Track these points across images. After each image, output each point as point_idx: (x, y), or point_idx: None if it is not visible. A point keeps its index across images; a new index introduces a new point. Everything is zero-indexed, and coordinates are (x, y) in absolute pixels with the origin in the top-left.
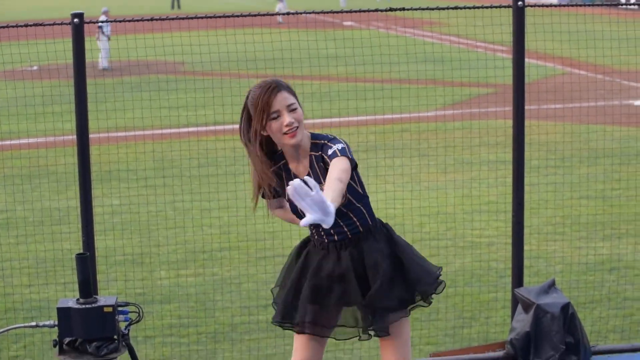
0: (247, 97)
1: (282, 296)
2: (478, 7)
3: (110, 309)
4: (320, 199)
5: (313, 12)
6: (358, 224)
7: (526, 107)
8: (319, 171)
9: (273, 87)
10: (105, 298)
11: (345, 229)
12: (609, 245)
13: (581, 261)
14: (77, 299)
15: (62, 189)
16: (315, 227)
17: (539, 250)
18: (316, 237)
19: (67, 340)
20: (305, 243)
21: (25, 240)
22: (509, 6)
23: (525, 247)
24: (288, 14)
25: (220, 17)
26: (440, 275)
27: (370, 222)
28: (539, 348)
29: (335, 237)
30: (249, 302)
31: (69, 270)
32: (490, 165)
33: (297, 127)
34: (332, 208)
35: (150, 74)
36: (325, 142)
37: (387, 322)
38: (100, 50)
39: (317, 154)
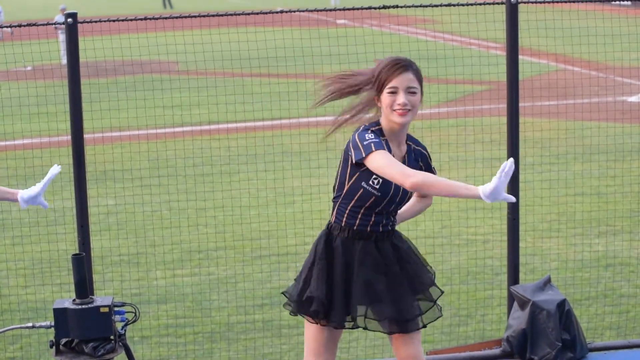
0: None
1: (322, 291)
2: (471, 4)
3: (106, 309)
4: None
5: (307, 10)
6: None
7: (520, 104)
8: (413, 162)
9: (402, 65)
10: (101, 298)
11: (392, 221)
12: (604, 241)
13: (576, 258)
14: (74, 300)
15: (58, 189)
16: (376, 213)
17: (534, 248)
18: (362, 225)
19: (63, 341)
20: (328, 235)
21: (21, 241)
22: (502, 3)
23: (521, 245)
24: (282, 11)
25: (213, 15)
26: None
27: None
28: (535, 345)
29: (381, 228)
30: (245, 302)
31: (65, 270)
32: (484, 162)
33: (410, 110)
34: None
35: (144, 73)
36: (425, 150)
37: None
38: (61, 45)
39: (417, 148)
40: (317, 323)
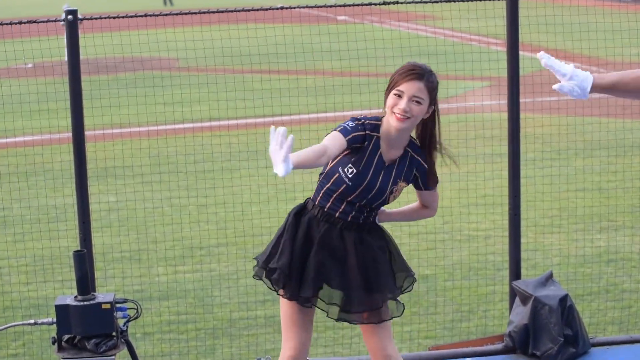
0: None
1: (285, 262)
2: (472, 0)
3: (108, 306)
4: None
5: (307, 7)
6: (374, 216)
7: (521, 100)
8: (406, 169)
9: (415, 72)
10: (103, 295)
11: (364, 215)
12: (606, 237)
13: (578, 253)
14: (75, 296)
15: (59, 186)
16: (347, 202)
17: (536, 243)
18: (332, 209)
19: (65, 337)
20: (301, 210)
21: (22, 238)
22: None
23: (522, 240)
24: (282, 8)
25: (213, 12)
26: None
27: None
28: (537, 340)
29: (349, 218)
30: (247, 298)
31: (66, 267)
32: (486, 158)
33: (408, 118)
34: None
35: (145, 70)
36: (425, 162)
37: (383, 311)
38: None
39: (416, 158)
40: (276, 291)
